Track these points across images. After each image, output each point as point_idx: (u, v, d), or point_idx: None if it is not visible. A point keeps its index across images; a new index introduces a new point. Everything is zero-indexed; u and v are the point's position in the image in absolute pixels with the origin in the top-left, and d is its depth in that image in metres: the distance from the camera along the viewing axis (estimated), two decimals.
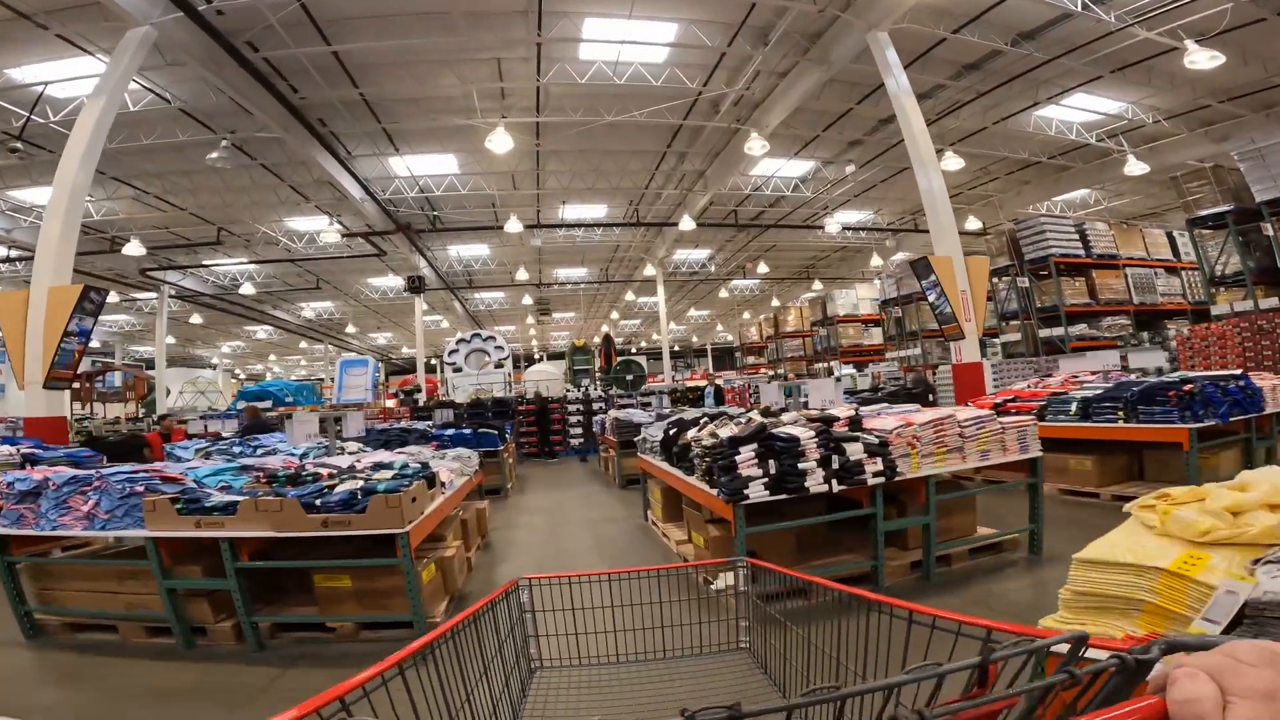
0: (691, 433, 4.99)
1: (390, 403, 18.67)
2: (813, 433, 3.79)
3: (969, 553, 4.27)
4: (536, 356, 42.54)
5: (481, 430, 8.85)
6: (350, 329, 31.41)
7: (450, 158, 15.13)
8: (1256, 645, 0.46)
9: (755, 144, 12.46)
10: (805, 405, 5.53)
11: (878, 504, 3.86)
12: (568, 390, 15.55)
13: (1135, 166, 14.52)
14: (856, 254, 26.93)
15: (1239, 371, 6.04)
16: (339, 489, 3.71)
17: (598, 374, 19.23)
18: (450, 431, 8.61)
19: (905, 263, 20.45)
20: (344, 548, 3.91)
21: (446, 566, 4.57)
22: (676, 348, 47.99)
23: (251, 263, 21.08)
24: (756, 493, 3.69)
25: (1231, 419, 5.44)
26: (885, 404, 5.13)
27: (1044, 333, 15.47)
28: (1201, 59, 9.49)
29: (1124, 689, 0.59)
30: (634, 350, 43.11)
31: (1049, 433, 6.18)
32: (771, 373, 28.03)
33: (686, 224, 17.34)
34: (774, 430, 3.83)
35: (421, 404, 15.91)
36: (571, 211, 19.40)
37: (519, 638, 2.35)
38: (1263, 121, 13.39)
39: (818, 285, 29.29)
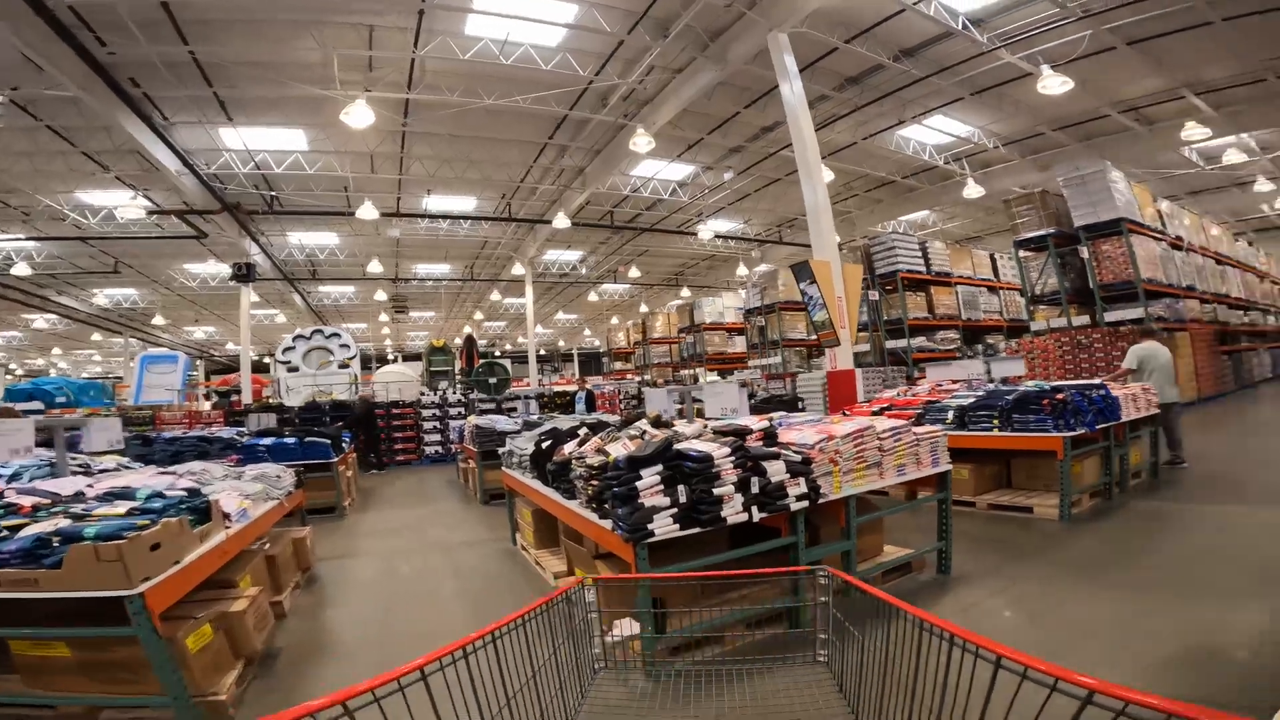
0: (570, 446, 4.14)
1: (207, 405, 15.89)
2: (727, 450, 3.10)
3: (881, 576, 3.80)
4: (391, 357, 39.38)
5: (310, 439, 7.36)
6: (158, 320, 26.93)
7: (298, 133, 13.17)
8: None
9: (641, 140, 11.94)
10: (700, 415, 4.87)
11: (799, 531, 3.25)
12: (422, 393, 14.03)
13: (973, 190, 15.75)
14: (724, 263, 27.46)
15: (1099, 381, 6.26)
16: (25, 532, 2.45)
17: (458, 376, 17.72)
18: (267, 441, 7.05)
19: (770, 272, 21.02)
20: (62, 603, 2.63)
21: (234, 624, 3.34)
22: (543, 351, 46.70)
23: (29, 239, 17.20)
24: (664, 527, 2.93)
25: (1096, 427, 5.55)
26: (783, 413, 4.63)
27: (890, 344, 16.37)
28: (1054, 84, 10.23)
29: None
30: (498, 353, 41.25)
31: None
32: (639, 378, 27.78)
33: (561, 222, 16.45)
34: (682, 447, 3.09)
35: (242, 408, 13.59)
36: (437, 202, 17.80)
37: (583, 639, 2.21)
38: (1085, 151, 15.01)
39: (686, 292, 29.60)
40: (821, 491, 3.33)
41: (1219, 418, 11.28)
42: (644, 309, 31.75)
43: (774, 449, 3.28)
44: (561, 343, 46.48)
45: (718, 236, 21.92)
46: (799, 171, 9.87)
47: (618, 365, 32.96)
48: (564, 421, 5.44)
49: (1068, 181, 12.90)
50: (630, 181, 17.47)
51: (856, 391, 8.54)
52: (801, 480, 3.28)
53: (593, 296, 31.26)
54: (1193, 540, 4.45)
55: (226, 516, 3.45)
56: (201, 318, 29.52)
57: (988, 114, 14.03)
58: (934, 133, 15.15)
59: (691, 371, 24.40)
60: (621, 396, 15.92)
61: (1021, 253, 14.40)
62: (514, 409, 12.30)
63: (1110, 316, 12.95)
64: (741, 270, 24.63)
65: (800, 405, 11.12)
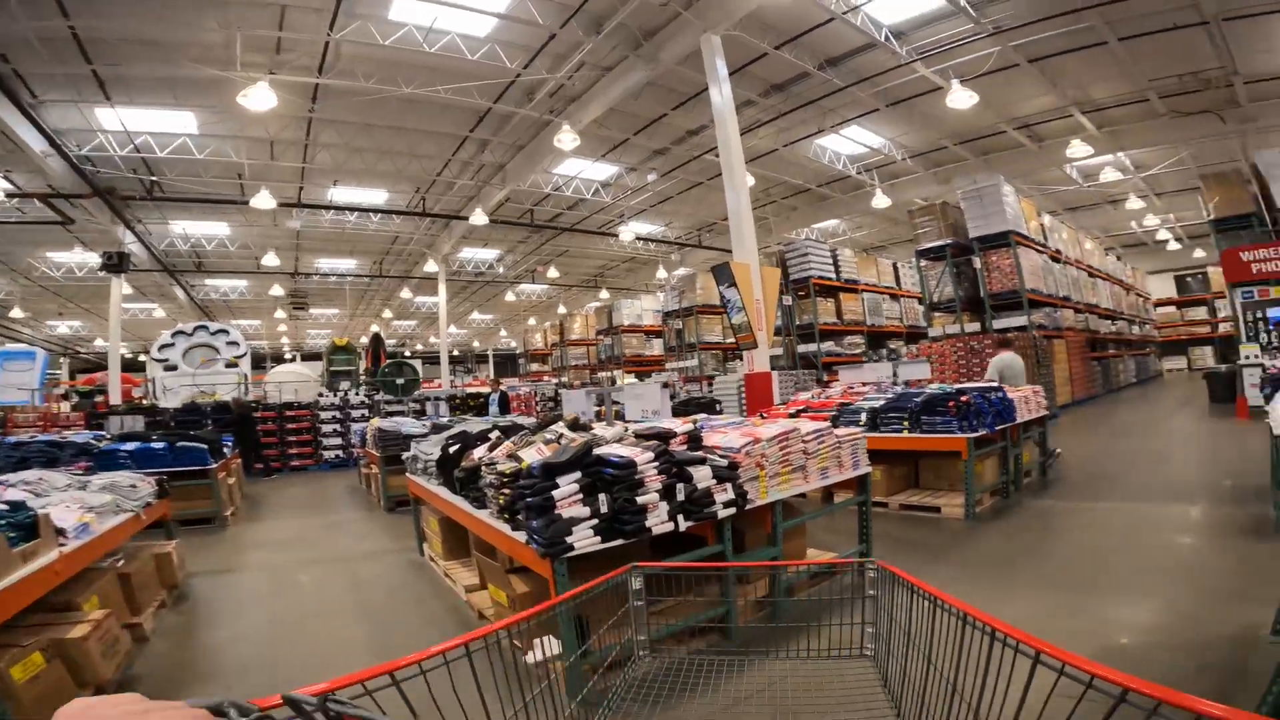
0: (479, 451, 3.82)
1: (67, 406, 14.14)
2: (651, 455, 2.89)
3: (809, 581, 3.72)
4: (289, 356, 36.86)
5: (184, 444, 6.57)
6: (17, 313, 23.91)
7: (187, 115, 12.03)
8: None
9: (566, 137, 11.67)
10: (621, 417, 4.66)
11: (725, 539, 3.10)
12: (321, 395, 13.08)
13: (881, 200, 16.45)
14: (644, 265, 27.47)
15: (995, 383, 6.56)
16: None
17: (362, 377, 16.70)
18: (131, 446, 6.23)
19: (689, 276, 21.21)
20: None
21: (73, 651, 2.85)
22: (456, 352, 45.16)
23: None
24: (584, 539, 2.69)
25: (996, 428, 5.79)
26: (705, 415, 4.50)
27: (801, 348, 16.86)
28: (961, 98, 10.74)
29: None
30: (408, 353, 39.49)
31: None
32: (556, 380, 27.37)
33: (479, 218, 15.85)
34: (602, 452, 2.86)
35: (106, 409, 12.17)
36: (344, 193, 16.73)
37: (627, 626, 2.21)
38: (982, 165, 15.95)
39: (605, 294, 29.41)
40: (749, 497, 3.20)
41: (1092, 419, 12.27)
42: (562, 310, 31.32)
43: (699, 453, 3.11)
44: (476, 343, 45.13)
45: (638, 239, 21.88)
46: (723, 175, 9.90)
47: (534, 367, 32.33)
48: (475, 424, 5.08)
49: (965, 194, 13.69)
50: (552, 180, 17.13)
51: (773, 394, 8.61)
52: (728, 486, 3.13)
53: (510, 296, 30.52)
54: (1085, 536, 4.67)
55: (61, 532, 2.91)
56: (66, 311, 26.48)
57: (899, 126, 14.65)
58: (849, 143, 15.70)
59: (609, 374, 24.22)
60: (538, 398, 15.50)
61: (922, 262, 15.16)
62: (422, 411, 11.66)
63: (998, 324, 13.85)
64: (661, 273, 24.72)
65: (717, 408, 11.15)
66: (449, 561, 4.63)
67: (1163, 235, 23.53)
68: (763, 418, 7.18)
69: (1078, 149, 13.37)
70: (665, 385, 5.15)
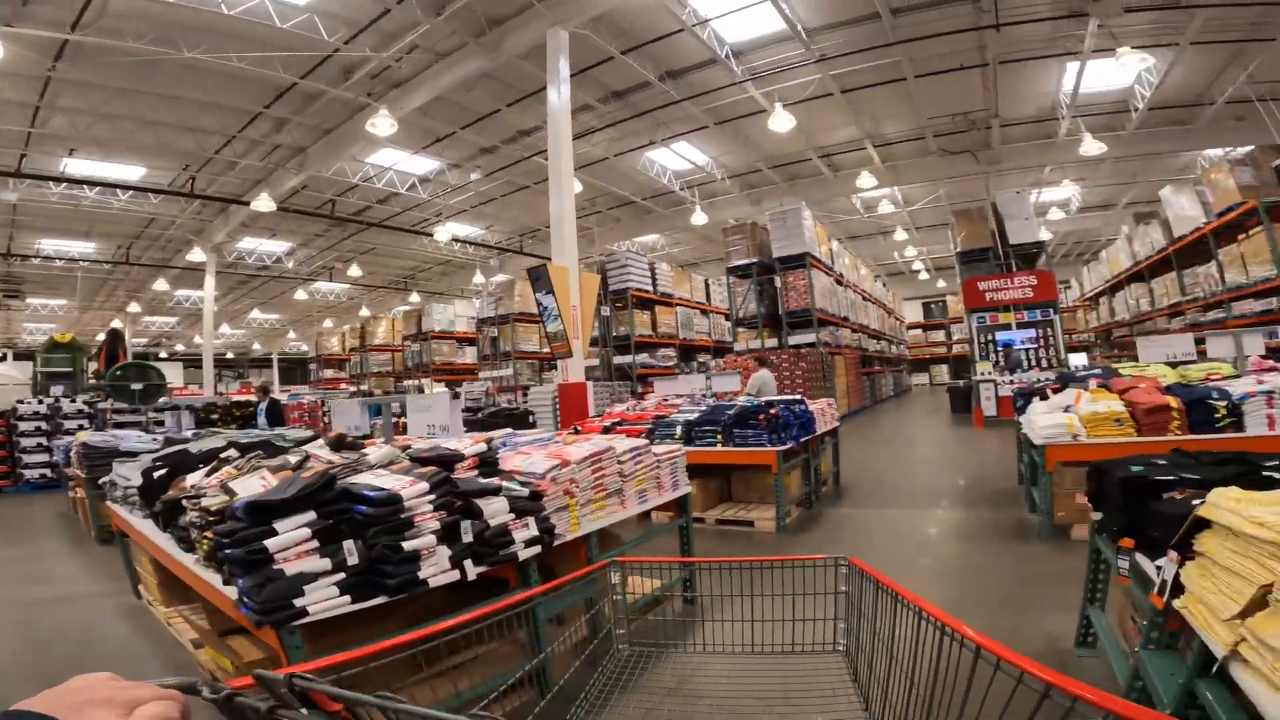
0: (194, 478, 2.81)
1: None
2: (425, 485, 2.19)
3: (639, 614, 3.23)
4: None
5: None
6: None
7: None
8: None
9: (383, 123, 10.32)
10: (404, 432, 3.83)
11: (532, 581, 2.48)
12: (21, 402, 10.16)
13: (699, 217, 16.98)
14: (461, 269, 25.88)
15: (798, 396, 6.73)
16: None
17: (91, 380, 13.42)
18: None
19: (507, 282, 20.25)
20: None
21: None
22: (230, 355, 39.08)
23: None
24: (323, 601, 1.91)
25: (801, 440, 5.87)
26: (509, 430, 3.86)
27: (617, 359, 16.82)
28: (782, 121, 11.22)
29: None
30: (164, 355, 33.34)
31: None
32: (354, 388, 24.67)
33: (264, 205, 13.59)
34: (351, 483, 2.10)
35: None
36: (84, 166, 13.46)
37: (606, 619, 2.24)
38: (788, 190, 17.08)
39: (416, 297, 27.22)
40: (556, 532, 2.62)
41: (866, 428, 13.60)
42: (365, 313, 28.45)
43: (493, 481, 2.47)
44: (258, 345, 39.42)
45: (455, 240, 20.48)
46: (549, 177, 9.33)
47: (329, 373, 28.93)
48: (208, 443, 3.91)
49: (772, 216, 14.58)
50: (362, 169, 15.33)
51: (588, 405, 8.18)
52: (530, 520, 2.52)
53: (301, 295, 27.01)
54: (886, 545, 4.80)
55: None
56: None
57: (723, 145, 15.15)
58: (677, 158, 15.99)
59: (416, 382, 22.35)
60: (326, 408, 13.55)
61: (731, 278, 15.88)
62: (163, 422, 9.49)
63: (793, 340, 14.93)
64: (478, 278, 23.39)
65: (531, 419, 10.49)
66: (170, 608, 3.50)
67: (917, 265, 27.49)
68: (577, 431, 6.69)
69: (865, 179, 14.86)
70: (456, 394, 4.40)
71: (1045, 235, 15.95)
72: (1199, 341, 5.48)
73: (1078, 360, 17.38)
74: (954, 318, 31.30)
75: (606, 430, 6.38)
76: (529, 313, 18.18)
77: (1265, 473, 1.80)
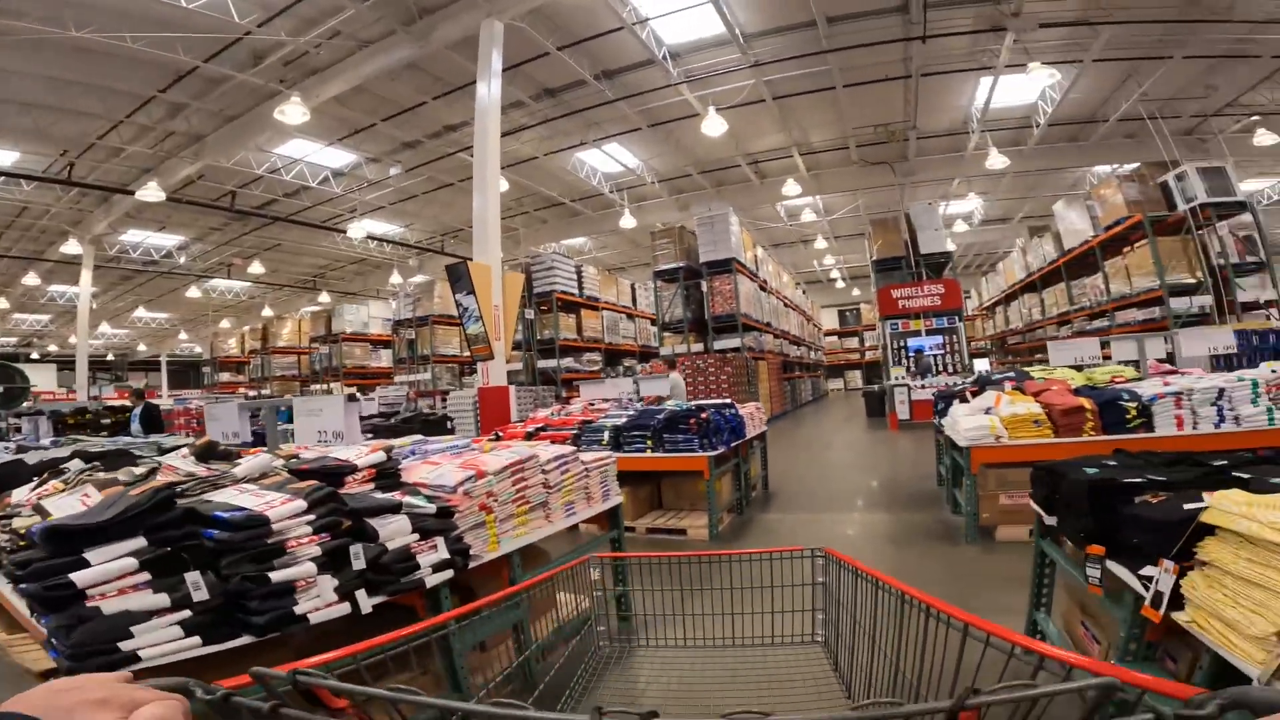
0: (20, 493, 2.26)
1: None
2: (303, 503, 1.78)
3: (564, 644, 2.88)
4: None
5: None
6: None
7: None
8: None
9: (294, 111, 9.52)
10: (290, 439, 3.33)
11: (444, 607, 2.10)
12: None
13: (628, 220, 16.79)
14: (377, 269, 24.55)
15: (728, 400, 6.57)
16: None
17: None
18: None
19: (427, 283, 19.30)
20: None
21: None
22: (111, 356, 35.48)
23: None
24: (161, 645, 1.48)
25: (732, 445, 5.70)
26: (419, 437, 3.43)
27: (541, 364, 16.35)
28: (715, 125, 11.17)
29: None
30: (35, 356, 29.89)
31: None
32: (255, 393, 22.96)
33: (152, 194, 12.32)
34: (202, 502, 1.68)
35: None
36: None
37: (589, 615, 2.27)
38: (716, 196, 17.15)
39: (325, 297, 25.56)
40: (472, 553, 2.25)
41: (790, 432, 13.77)
42: (269, 313, 26.47)
43: (392, 496, 2.08)
44: (143, 347, 35.99)
45: (371, 238, 19.33)
46: (474, 173, 8.82)
47: (226, 377, 26.68)
48: (56, 451, 3.27)
49: (700, 221, 14.57)
50: (269, 160, 14.16)
51: (510, 410, 7.74)
52: (440, 541, 2.14)
53: (195, 292, 24.81)
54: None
55: None
56: None
57: (655, 148, 15.01)
58: (608, 159, 15.71)
59: (324, 386, 20.95)
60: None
61: (659, 282, 15.75)
62: (20, 428, 8.30)
63: (718, 345, 14.96)
64: (396, 279, 22.21)
65: (450, 425, 9.89)
66: (12, 635, 2.85)
67: (835, 274, 28.47)
68: (498, 437, 6.27)
69: (791, 187, 15.13)
70: (353, 397, 3.90)
71: (951, 246, 16.75)
72: (1104, 345, 5.72)
73: (981, 365, 18.38)
74: (867, 325, 32.67)
75: (530, 436, 6.00)
76: (449, 315, 17.36)
77: (1235, 473, 1.70)
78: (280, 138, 12.84)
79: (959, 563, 4.11)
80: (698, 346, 15.31)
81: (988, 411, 4.75)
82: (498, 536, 2.46)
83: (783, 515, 5.88)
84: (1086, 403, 4.47)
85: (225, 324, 29.31)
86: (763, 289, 17.47)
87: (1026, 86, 12.27)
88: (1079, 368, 5.74)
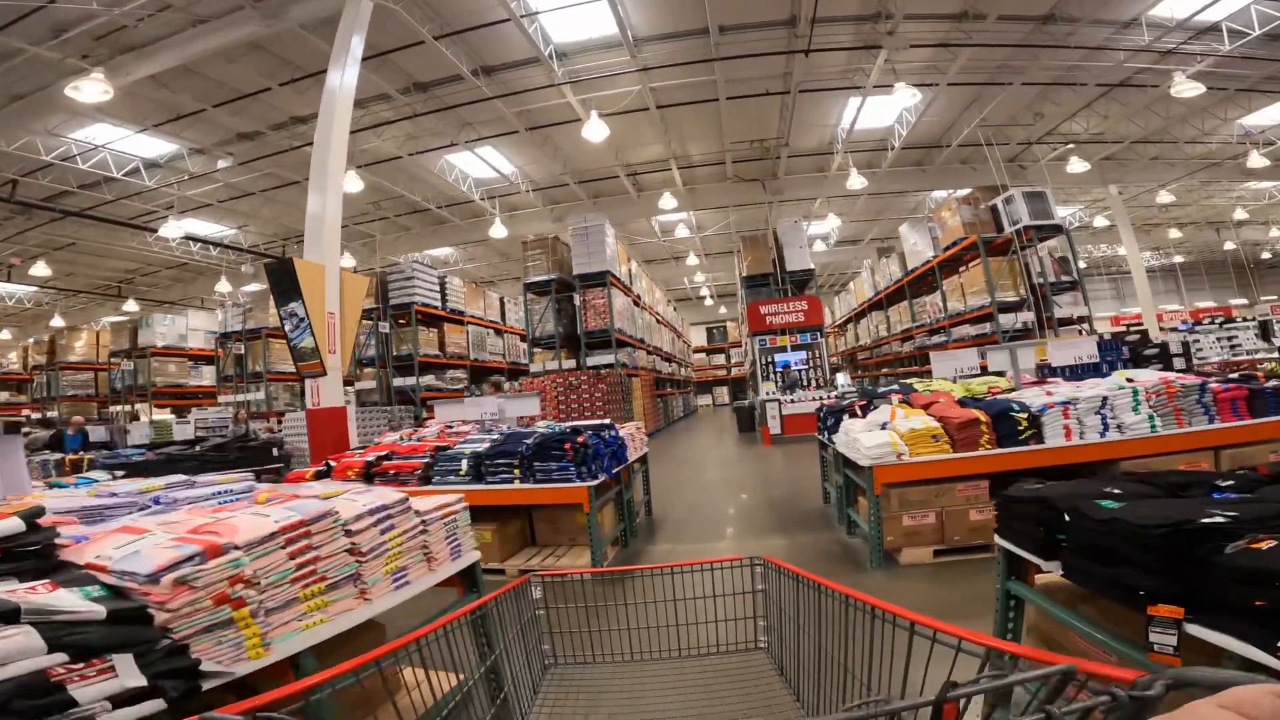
0: None
1: None
2: None
3: None
4: None
5: None
6: None
7: None
8: (1266, 689, 0.41)
9: (91, 89, 7.91)
10: None
11: None
12: None
13: (499, 230, 15.73)
14: (200, 275, 21.25)
15: (608, 421, 5.81)
16: None
17: None
18: None
19: (260, 292, 16.92)
20: None
21: None
22: None
23: None
24: None
25: (614, 472, 4.95)
26: (180, 479, 2.31)
27: (398, 381, 14.77)
28: (597, 130, 10.62)
29: None
30: None
31: None
32: (38, 414, 19.22)
33: None
34: None
35: None
36: None
37: (531, 635, 2.21)
38: (593, 208, 16.50)
39: (132, 306, 21.70)
40: (218, 667, 1.28)
41: (666, 450, 13.25)
42: (59, 322, 22.09)
43: (10, 598, 1.08)
44: None
45: (192, 240, 16.56)
46: (313, 160, 7.44)
47: (4, 397, 21.84)
48: None
49: (575, 230, 13.82)
50: (62, 145, 11.65)
51: (350, 435, 6.45)
52: (123, 661, 1.17)
53: None
54: None
55: None
56: None
57: (531, 153, 14.19)
58: (480, 164, 14.65)
59: (128, 407, 17.63)
60: None
61: (529, 295, 14.79)
62: None
63: (591, 361, 14.25)
64: (224, 286, 19.23)
65: (277, 453, 8.24)
66: None
67: (704, 292, 28.95)
68: (328, 469, 5.09)
69: (668, 200, 14.93)
70: (17, 428, 2.72)
71: (812, 264, 17.41)
72: (981, 356, 5.68)
73: (841, 379, 19.18)
74: (733, 343, 33.63)
75: (369, 468, 4.90)
76: None
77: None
78: (78, 120, 10.86)
79: (871, 591, 3.62)
80: (569, 363, 14.49)
81: (883, 427, 4.40)
82: (262, 637, 1.50)
83: (673, 546, 5.20)
84: (981, 415, 4.24)
85: (5, 334, 24.23)
86: (636, 304, 17.06)
87: (887, 109, 12.97)
88: (954, 379, 5.66)
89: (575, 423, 5.58)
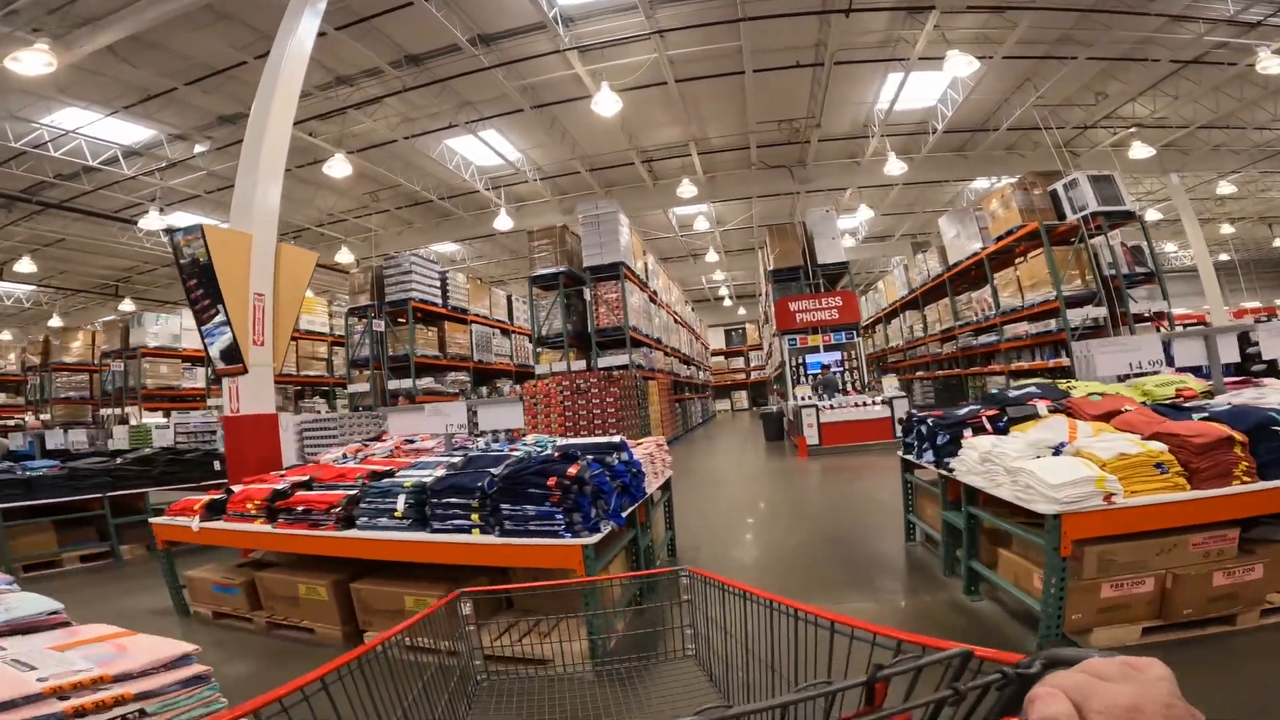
0: None
1: None
2: None
3: None
4: None
5: None
6: None
7: None
8: (1116, 661, 0.46)
9: (33, 60, 6.96)
10: None
11: None
12: None
13: (505, 221, 14.29)
14: None
15: (618, 439, 4.08)
16: None
17: None
18: None
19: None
20: None
21: None
22: None
23: None
24: None
25: (624, 517, 3.23)
26: None
27: (393, 384, 13.27)
28: (608, 103, 9.33)
29: (1014, 703, 0.56)
30: None
31: (362, 551, 3.02)
32: (36, 416, 18.23)
33: None
34: None
35: None
36: None
37: (464, 651, 2.20)
38: (605, 196, 14.91)
39: (129, 305, 20.50)
40: None
41: (688, 464, 11.37)
42: (56, 323, 20.98)
43: None
44: None
45: (170, 232, 15.15)
46: (252, 116, 5.82)
47: (2, 399, 20.74)
48: None
49: (585, 219, 12.22)
50: (33, 132, 10.54)
51: (280, 451, 4.80)
52: None
53: None
54: (774, 644, 2.39)
55: None
56: None
57: (538, 136, 12.75)
58: (483, 149, 13.17)
59: (119, 410, 16.31)
60: None
61: (535, 289, 13.18)
62: None
63: (603, 361, 12.59)
64: None
65: (219, 465, 6.66)
66: None
67: (723, 292, 27.14)
68: (229, 495, 3.50)
69: (686, 188, 13.35)
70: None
71: (845, 256, 15.61)
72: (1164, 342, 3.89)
73: (891, 383, 17.27)
74: (753, 345, 31.73)
75: (275, 498, 3.30)
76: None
77: None
78: (44, 104, 9.70)
79: (935, 613, 1.92)
80: (579, 364, 12.82)
81: (1058, 449, 2.67)
82: None
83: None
84: (1236, 433, 2.48)
85: (4, 336, 23.20)
86: (653, 301, 15.35)
87: (930, 88, 11.17)
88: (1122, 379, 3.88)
89: (572, 440, 3.89)
